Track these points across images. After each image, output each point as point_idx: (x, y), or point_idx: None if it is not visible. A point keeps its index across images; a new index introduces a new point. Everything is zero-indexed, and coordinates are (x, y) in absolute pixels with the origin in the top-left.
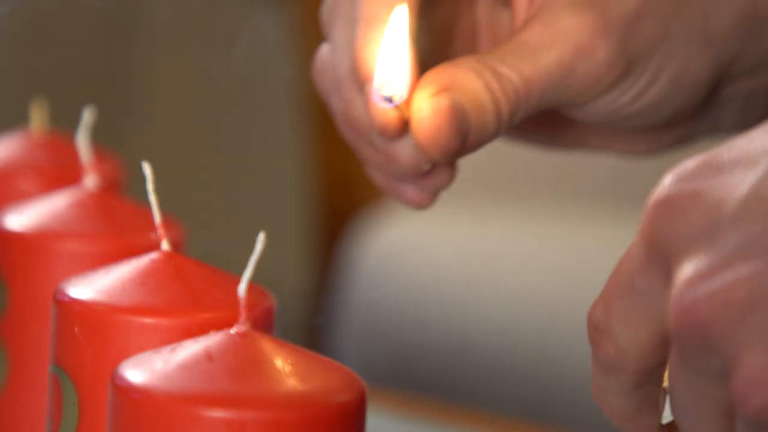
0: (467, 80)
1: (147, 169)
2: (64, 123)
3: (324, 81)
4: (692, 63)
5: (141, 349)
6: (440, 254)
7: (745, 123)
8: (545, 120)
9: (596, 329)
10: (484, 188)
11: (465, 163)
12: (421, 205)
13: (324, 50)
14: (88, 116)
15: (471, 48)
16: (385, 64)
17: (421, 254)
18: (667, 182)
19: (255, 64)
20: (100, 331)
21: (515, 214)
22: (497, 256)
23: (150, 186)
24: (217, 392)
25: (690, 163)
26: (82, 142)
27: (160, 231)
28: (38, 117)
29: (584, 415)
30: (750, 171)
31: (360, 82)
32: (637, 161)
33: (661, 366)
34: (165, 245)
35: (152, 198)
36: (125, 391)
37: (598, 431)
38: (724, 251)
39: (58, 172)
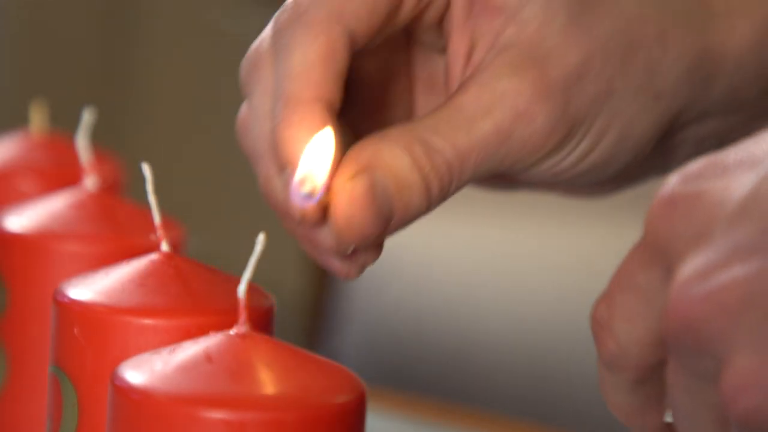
0: (392, 157)
1: (147, 170)
2: (63, 124)
3: (246, 143)
4: (638, 120)
5: (140, 350)
6: (440, 254)
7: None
8: None
9: (599, 325)
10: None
11: None
12: (348, 277)
13: (244, 110)
14: (87, 117)
15: (408, 98)
16: (305, 158)
17: (420, 254)
18: (671, 182)
19: None
20: (99, 332)
21: (515, 216)
22: (497, 257)
23: (150, 187)
24: (216, 393)
25: (696, 164)
26: (82, 142)
27: (160, 232)
28: (38, 118)
29: (584, 415)
30: (752, 172)
31: (280, 164)
32: None
33: (662, 364)
34: (164, 246)
35: (152, 199)
36: (125, 392)
37: (597, 431)
38: (721, 252)
39: (58, 173)
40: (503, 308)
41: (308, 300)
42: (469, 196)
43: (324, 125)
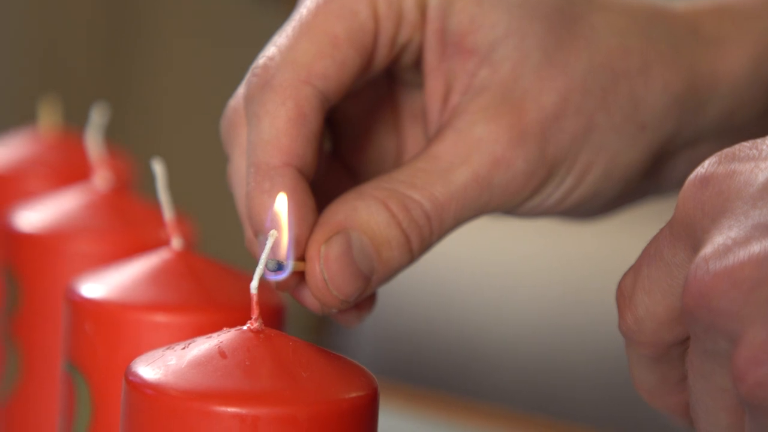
0: (369, 214)
1: (158, 167)
2: (74, 121)
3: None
4: (624, 153)
5: (153, 346)
6: (451, 251)
7: None
8: None
9: (622, 295)
10: None
11: None
12: (349, 326)
13: (228, 168)
14: (98, 114)
15: (396, 132)
16: (271, 236)
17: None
18: (707, 162)
19: None
20: (112, 329)
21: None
22: (507, 253)
23: (161, 184)
24: (230, 388)
25: (737, 145)
26: (92, 140)
27: (172, 229)
28: (48, 115)
29: (595, 411)
30: None
31: (253, 230)
32: None
33: (680, 344)
34: (176, 243)
35: (163, 196)
36: (138, 388)
37: (606, 427)
38: (742, 229)
39: (68, 171)
40: (513, 305)
41: None
42: None
43: (294, 190)
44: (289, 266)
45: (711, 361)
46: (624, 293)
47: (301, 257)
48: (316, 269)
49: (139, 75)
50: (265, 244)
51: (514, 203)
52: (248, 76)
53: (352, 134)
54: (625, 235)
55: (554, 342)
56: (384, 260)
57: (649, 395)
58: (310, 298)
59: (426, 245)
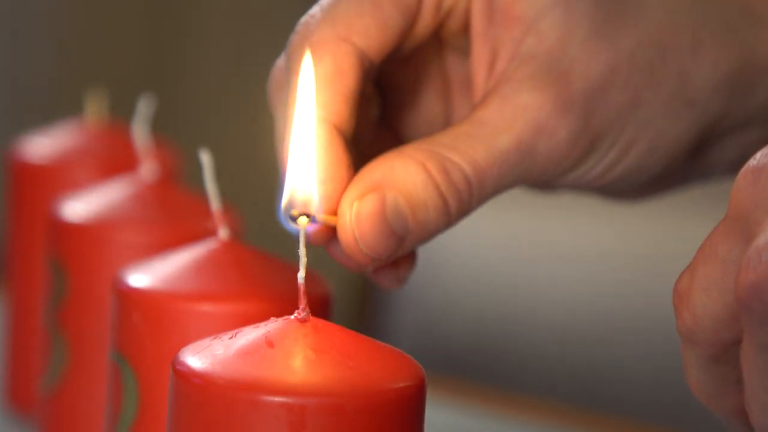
0: (405, 175)
1: (205, 157)
2: (120, 111)
3: None
4: (669, 130)
5: (200, 336)
6: (491, 243)
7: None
8: None
9: (679, 296)
10: None
11: None
12: (390, 288)
13: (275, 128)
14: (144, 106)
15: (445, 100)
16: (292, 181)
17: (471, 243)
18: (759, 153)
19: None
20: (159, 319)
21: (563, 203)
22: (547, 245)
23: (208, 174)
24: (277, 378)
25: None
26: (139, 131)
27: (218, 219)
28: (94, 106)
29: (638, 402)
30: None
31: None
32: None
33: (737, 344)
34: (223, 233)
35: (210, 186)
36: (186, 377)
37: (647, 419)
38: None
39: (115, 162)
40: (554, 296)
41: (359, 288)
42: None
43: (328, 145)
44: (314, 217)
45: (766, 355)
46: (681, 294)
47: (333, 212)
48: (346, 225)
49: (186, 66)
50: (281, 214)
51: (555, 173)
52: (292, 35)
53: (400, 101)
54: (669, 225)
55: (597, 335)
56: (419, 222)
57: (707, 397)
58: (343, 255)
59: (464, 210)
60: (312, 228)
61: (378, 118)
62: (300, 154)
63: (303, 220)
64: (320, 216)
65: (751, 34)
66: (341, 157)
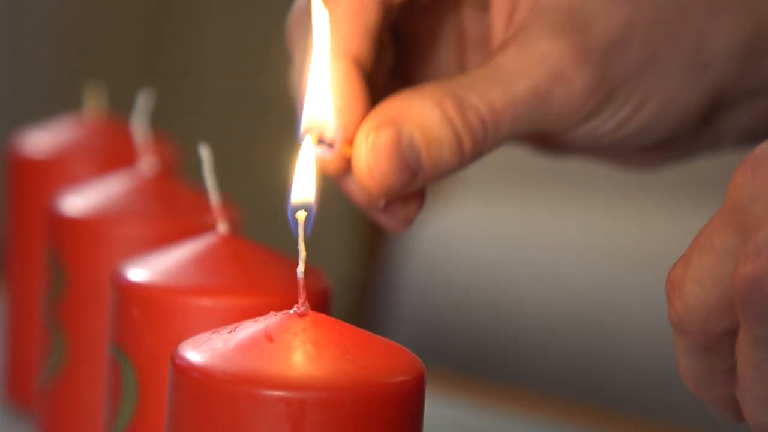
0: (422, 111)
1: (204, 152)
2: (120, 106)
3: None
4: (683, 89)
5: (199, 330)
6: (490, 238)
7: (754, 142)
8: None
9: (672, 285)
10: (531, 172)
11: (509, 147)
12: (396, 231)
13: (292, 68)
14: (143, 100)
15: (460, 56)
16: (316, 107)
17: (469, 236)
18: (758, 148)
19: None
20: (158, 313)
21: (562, 197)
22: (546, 240)
23: (207, 169)
24: (276, 372)
25: None
26: (138, 125)
27: (218, 213)
28: (94, 101)
29: (634, 396)
30: None
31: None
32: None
33: (731, 335)
34: (222, 227)
35: (210, 181)
36: (185, 371)
37: (644, 411)
38: None
39: (114, 156)
40: (553, 290)
41: (357, 283)
42: (517, 180)
43: (347, 77)
44: (330, 146)
45: (762, 349)
46: (674, 282)
47: (349, 143)
48: (361, 156)
49: (185, 60)
50: (300, 135)
51: (569, 124)
52: None
53: (415, 52)
54: (669, 219)
55: (595, 328)
56: (433, 158)
57: (696, 386)
58: (355, 189)
59: (478, 151)
60: (329, 154)
61: (391, 68)
62: (318, 86)
63: (302, 214)
64: (336, 144)
65: (765, 4)
66: (358, 89)
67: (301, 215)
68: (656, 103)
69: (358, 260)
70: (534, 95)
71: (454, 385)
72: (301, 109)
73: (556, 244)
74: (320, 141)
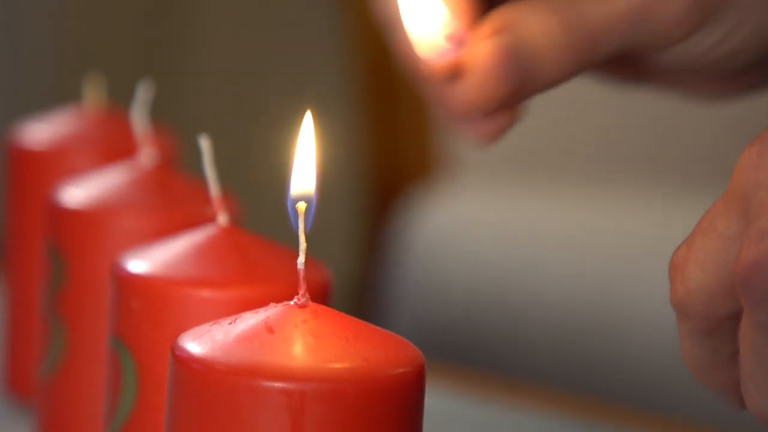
0: (532, 23)
1: (204, 143)
2: (120, 98)
3: (381, 13)
4: None
5: (199, 321)
6: (490, 231)
7: None
8: None
9: (674, 268)
10: (533, 167)
11: (517, 138)
12: (486, 140)
13: None
14: (143, 91)
15: None
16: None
17: (471, 232)
18: (763, 133)
19: (310, 42)
20: (158, 305)
21: (564, 191)
22: (547, 233)
23: (207, 160)
24: (276, 363)
25: None
26: (138, 117)
27: (217, 205)
28: (93, 92)
29: (634, 390)
30: None
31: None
32: (688, 138)
33: (733, 319)
34: (222, 219)
35: (210, 172)
36: (185, 362)
37: (643, 404)
38: None
39: (114, 147)
40: (554, 282)
41: (357, 277)
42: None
43: None
44: (448, 49)
45: (764, 334)
46: (676, 265)
47: (460, 48)
48: (475, 59)
49: (185, 52)
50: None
51: (665, 44)
52: None
53: None
54: (670, 213)
55: (598, 322)
56: (537, 69)
57: (699, 371)
58: (459, 95)
59: (577, 67)
60: (450, 55)
61: None
62: None
63: (302, 205)
64: (465, 43)
65: None
66: None
67: (301, 206)
68: (748, 28)
69: (359, 254)
70: (635, 11)
71: (454, 378)
72: (405, 18)
73: (557, 238)
74: (447, 38)
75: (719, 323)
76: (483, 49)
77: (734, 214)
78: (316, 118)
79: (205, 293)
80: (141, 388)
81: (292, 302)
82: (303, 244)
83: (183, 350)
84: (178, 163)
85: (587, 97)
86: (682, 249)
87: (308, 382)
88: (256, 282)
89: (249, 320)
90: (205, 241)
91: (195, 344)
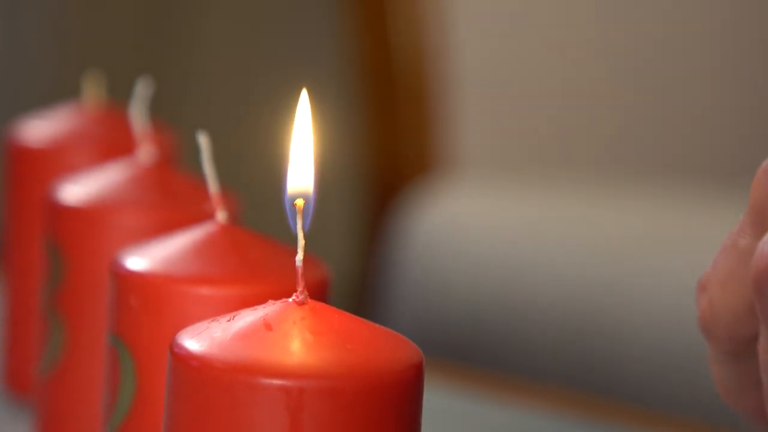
0: None
1: (203, 139)
2: (119, 95)
3: None
4: None
5: (197, 319)
6: (490, 229)
7: None
8: None
9: (700, 289)
10: (533, 163)
11: (516, 136)
12: None
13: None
14: (142, 88)
15: None
16: None
17: (471, 230)
18: None
19: (310, 41)
20: (156, 302)
21: (564, 187)
22: (547, 231)
23: (206, 157)
24: (275, 361)
25: None
26: (137, 114)
27: (216, 202)
28: (92, 89)
29: (634, 387)
30: None
31: None
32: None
33: (757, 341)
34: (221, 216)
35: (208, 169)
36: (184, 360)
37: (644, 402)
38: None
39: (112, 144)
40: (554, 280)
41: (356, 275)
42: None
43: None
44: None
45: None
46: (702, 285)
47: None
48: None
49: (184, 49)
50: None
51: None
52: None
53: None
54: (673, 212)
55: (600, 320)
56: None
57: (728, 395)
58: None
59: None
60: None
61: None
62: None
63: (300, 203)
64: None
65: None
66: None
67: (299, 203)
68: None
69: (358, 252)
70: None
71: (453, 374)
72: None
73: (557, 237)
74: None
75: (745, 345)
76: None
77: (753, 230)
78: (315, 117)
79: (204, 290)
80: (139, 385)
81: (290, 299)
82: (301, 242)
83: (181, 347)
84: (177, 160)
85: (587, 97)
86: (707, 270)
87: (307, 379)
88: (254, 279)
89: (247, 317)
90: (203, 238)
91: (193, 341)
